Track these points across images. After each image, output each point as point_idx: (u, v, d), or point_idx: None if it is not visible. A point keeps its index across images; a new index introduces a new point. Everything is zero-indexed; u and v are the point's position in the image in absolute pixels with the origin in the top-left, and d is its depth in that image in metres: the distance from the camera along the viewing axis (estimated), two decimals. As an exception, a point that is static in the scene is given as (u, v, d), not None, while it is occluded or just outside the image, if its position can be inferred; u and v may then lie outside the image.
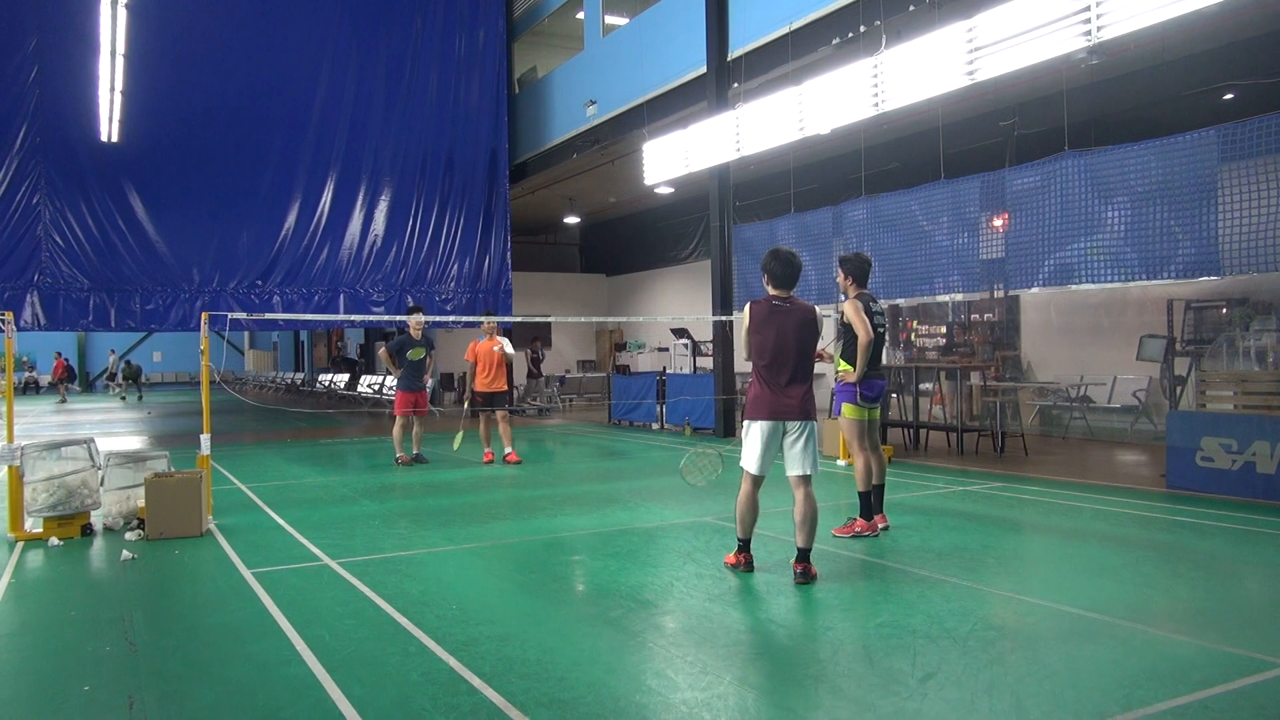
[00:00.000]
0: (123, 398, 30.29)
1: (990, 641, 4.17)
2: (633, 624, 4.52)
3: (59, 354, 32.32)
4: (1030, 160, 10.09)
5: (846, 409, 6.54)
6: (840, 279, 6.77)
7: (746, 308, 5.37)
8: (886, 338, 7.10)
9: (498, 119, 18.91)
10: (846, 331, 6.60)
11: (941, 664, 3.87)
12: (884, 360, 6.94)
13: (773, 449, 5.26)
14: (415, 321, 10.86)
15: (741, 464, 5.35)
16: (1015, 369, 14.20)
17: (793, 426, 5.23)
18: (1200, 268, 8.29)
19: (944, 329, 15.98)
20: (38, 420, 20.58)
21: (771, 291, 5.39)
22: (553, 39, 20.50)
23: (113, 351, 36.18)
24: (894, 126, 14.26)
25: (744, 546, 5.48)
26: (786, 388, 5.23)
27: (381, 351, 11.17)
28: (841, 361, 6.65)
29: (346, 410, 21.36)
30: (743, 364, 5.36)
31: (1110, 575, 5.36)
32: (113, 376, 35.08)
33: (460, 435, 11.08)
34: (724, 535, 6.58)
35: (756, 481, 5.34)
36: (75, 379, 36.22)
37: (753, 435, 5.25)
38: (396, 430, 10.94)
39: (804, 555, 5.27)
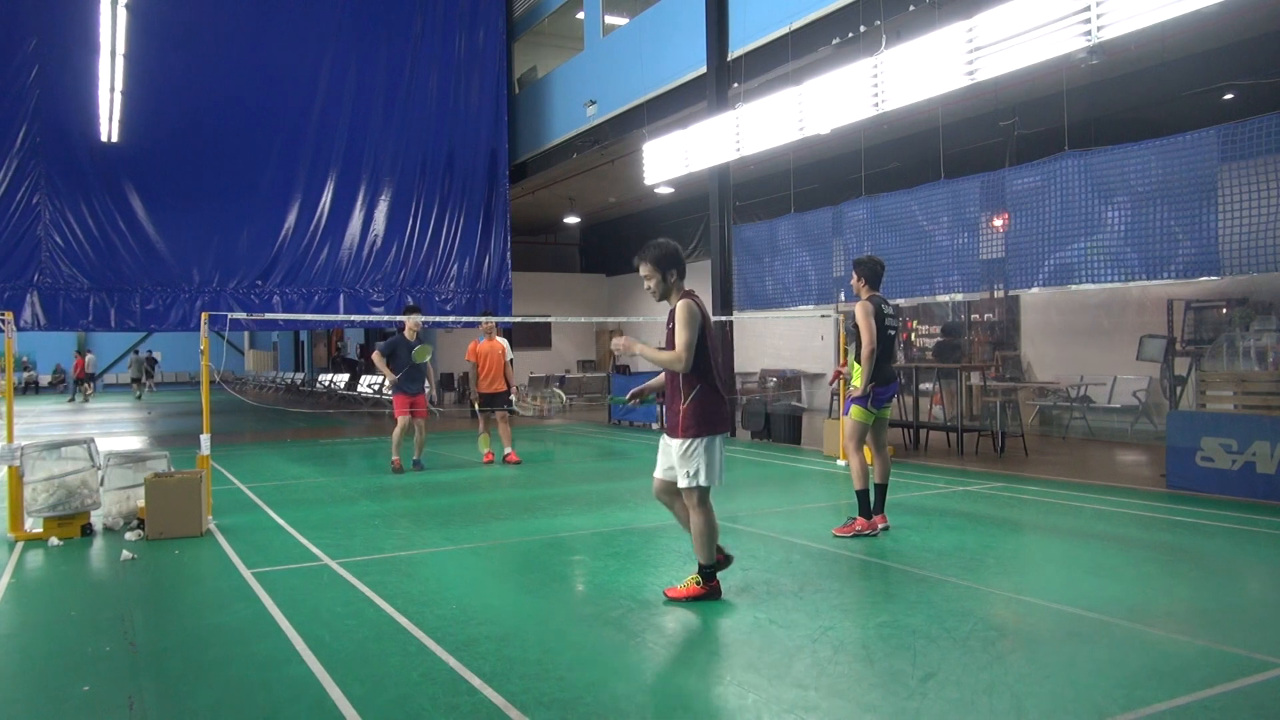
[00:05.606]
0: (138, 396, 29.78)
1: (990, 641, 4.17)
2: (633, 624, 4.52)
3: (79, 353, 32.13)
4: (1030, 160, 10.10)
5: (855, 410, 6.54)
6: (854, 281, 6.77)
7: (692, 305, 4.73)
8: (900, 339, 7.08)
9: (498, 119, 18.91)
10: (857, 334, 6.60)
11: (941, 664, 3.87)
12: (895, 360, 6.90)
13: None
14: (412, 322, 10.42)
15: (708, 483, 4.77)
16: (1015, 369, 14.20)
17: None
18: (1200, 268, 8.30)
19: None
20: (38, 420, 20.57)
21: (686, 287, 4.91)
22: (553, 39, 20.51)
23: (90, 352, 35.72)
24: (894, 126, 14.25)
25: (724, 564, 5.04)
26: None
27: (374, 355, 10.65)
28: (857, 366, 6.63)
29: (346, 410, 21.35)
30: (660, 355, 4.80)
31: (1110, 575, 5.36)
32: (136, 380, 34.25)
33: (484, 439, 11.08)
34: (723, 536, 6.56)
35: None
36: (71, 379, 36.06)
37: (716, 448, 4.79)
38: (396, 433, 10.45)
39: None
